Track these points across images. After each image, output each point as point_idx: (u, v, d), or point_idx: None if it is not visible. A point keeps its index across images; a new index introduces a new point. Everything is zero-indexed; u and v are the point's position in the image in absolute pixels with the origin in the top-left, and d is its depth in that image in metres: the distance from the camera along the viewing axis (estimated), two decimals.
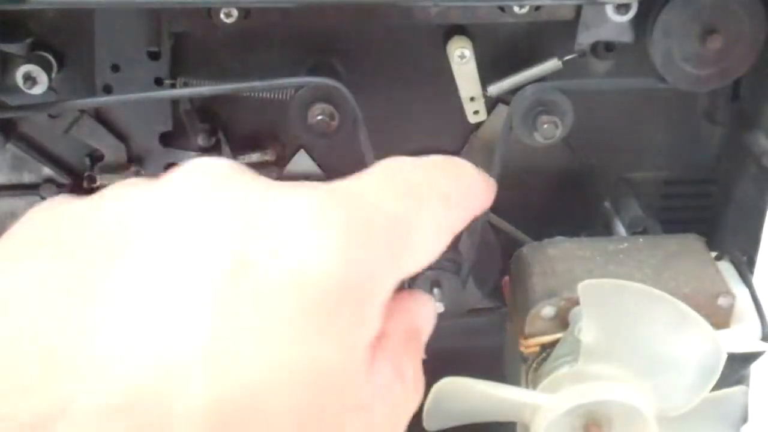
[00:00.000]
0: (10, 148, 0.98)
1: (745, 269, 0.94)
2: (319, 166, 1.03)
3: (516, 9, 0.88)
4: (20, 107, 0.90)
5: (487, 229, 1.04)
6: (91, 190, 0.98)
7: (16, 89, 0.88)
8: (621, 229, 1.03)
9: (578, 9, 0.89)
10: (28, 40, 0.89)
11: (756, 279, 0.95)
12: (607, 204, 1.07)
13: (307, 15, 0.88)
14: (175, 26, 0.89)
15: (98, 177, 0.97)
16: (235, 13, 0.86)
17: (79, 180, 0.99)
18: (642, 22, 0.89)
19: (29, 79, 0.88)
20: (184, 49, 0.93)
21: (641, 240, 0.96)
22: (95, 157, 0.98)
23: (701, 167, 1.06)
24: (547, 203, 1.06)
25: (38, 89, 0.88)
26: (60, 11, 0.89)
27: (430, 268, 1.01)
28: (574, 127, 0.93)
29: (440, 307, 1.02)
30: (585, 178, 1.06)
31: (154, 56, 0.90)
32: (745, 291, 0.92)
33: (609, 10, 0.88)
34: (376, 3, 0.87)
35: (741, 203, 1.01)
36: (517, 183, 1.03)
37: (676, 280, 0.89)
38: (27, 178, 1.01)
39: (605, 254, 0.93)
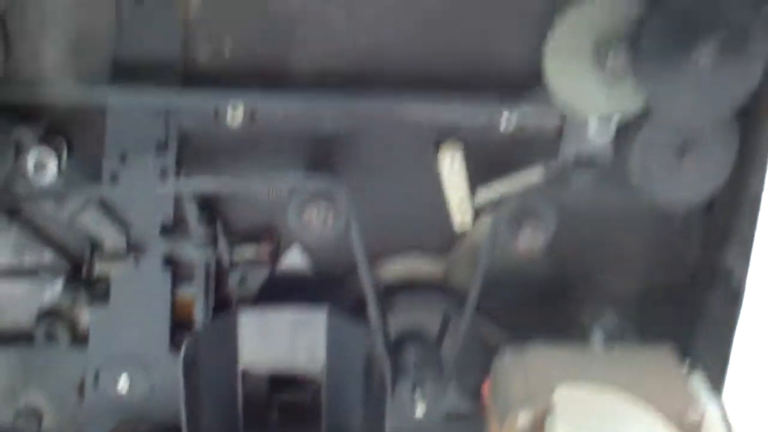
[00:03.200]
0: (14, 231, 1.01)
1: (715, 383, 0.98)
2: (311, 263, 1.07)
3: (503, 124, 0.95)
4: (30, 195, 0.94)
5: (470, 333, 1.07)
6: (89, 277, 1.01)
7: (25, 176, 0.92)
8: (599, 337, 1.07)
9: (561, 125, 0.95)
10: (40, 129, 0.94)
11: (725, 393, 0.98)
12: (585, 314, 1.10)
13: (308, 119, 0.94)
14: (182, 122, 0.94)
15: (97, 264, 0.99)
16: (240, 117, 0.92)
17: (78, 266, 1.02)
18: (622, 140, 0.95)
19: (40, 166, 0.92)
20: (189, 145, 0.98)
21: (617, 351, 1.00)
22: (96, 244, 1.01)
23: (676, 281, 1.10)
24: (529, 309, 1.10)
25: (47, 177, 0.92)
26: (72, 102, 0.95)
27: (413, 368, 1.04)
28: (555, 237, 0.98)
29: (421, 408, 1.04)
30: (565, 287, 1.10)
31: (161, 149, 0.95)
32: (715, 405, 0.96)
33: (590, 126, 0.95)
34: (372, 108, 0.93)
35: (713, 316, 1.05)
36: (500, 288, 1.07)
37: (649, 392, 0.92)
38: (28, 261, 1.05)
39: (582, 363, 0.96)
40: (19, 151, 0.92)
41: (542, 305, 1.10)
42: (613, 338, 1.06)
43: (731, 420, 0.95)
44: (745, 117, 0.92)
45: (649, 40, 0.84)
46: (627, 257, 1.10)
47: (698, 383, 0.98)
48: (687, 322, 1.09)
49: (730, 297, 1.01)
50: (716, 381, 0.99)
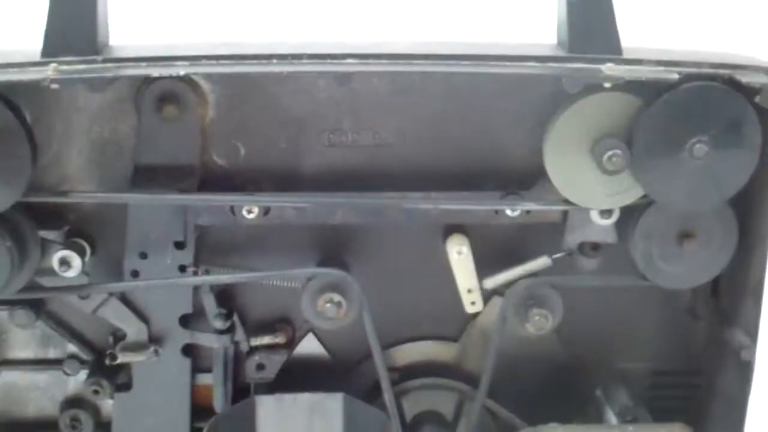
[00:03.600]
0: (39, 325, 1.05)
1: None
2: (326, 349, 1.10)
3: (509, 212, 0.98)
4: (56, 288, 0.98)
5: (484, 414, 1.09)
6: (112, 367, 1.04)
7: (51, 271, 0.96)
8: (612, 417, 1.08)
9: (565, 213, 0.98)
10: (66, 228, 0.99)
11: None
12: (598, 392, 1.12)
13: (319, 212, 0.98)
14: (200, 220, 0.98)
15: (120, 355, 1.03)
16: (255, 210, 0.96)
17: (101, 357, 1.05)
18: (624, 225, 0.98)
19: (65, 263, 0.96)
20: (207, 240, 1.02)
21: (630, 429, 1.02)
22: (117, 336, 1.05)
23: (686, 359, 1.12)
24: (541, 390, 1.11)
25: (72, 273, 0.96)
26: (95, 204, 0.99)
27: None
28: (564, 320, 1.00)
29: None
30: (576, 367, 1.12)
31: (179, 246, 0.99)
32: None
33: (593, 214, 0.98)
34: (381, 204, 0.96)
35: (724, 394, 1.06)
36: (513, 370, 1.09)
37: None
38: (52, 353, 1.08)
39: None
40: (45, 249, 0.96)
41: (554, 387, 1.11)
42: (625, 417, 1.07)
43: None
44: (744, 202, 0.95)
45: (644, 136, 0.87)
46: (637, 337, 1.12)
47: None
48: (698, 402, 1.11)
49: (739, 375, 1.02)
50: None
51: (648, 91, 0.87)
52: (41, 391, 1.10)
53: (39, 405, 1.10)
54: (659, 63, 0.86)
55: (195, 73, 0.92)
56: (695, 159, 0.87)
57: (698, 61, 0.87)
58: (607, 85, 0.85)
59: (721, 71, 0.87)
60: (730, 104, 0.86)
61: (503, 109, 0.97)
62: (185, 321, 1.04)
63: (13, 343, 1.07)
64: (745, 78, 0.86)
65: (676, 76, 0.85)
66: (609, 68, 0.85)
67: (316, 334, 1.09)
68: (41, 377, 1.09)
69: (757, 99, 0.86)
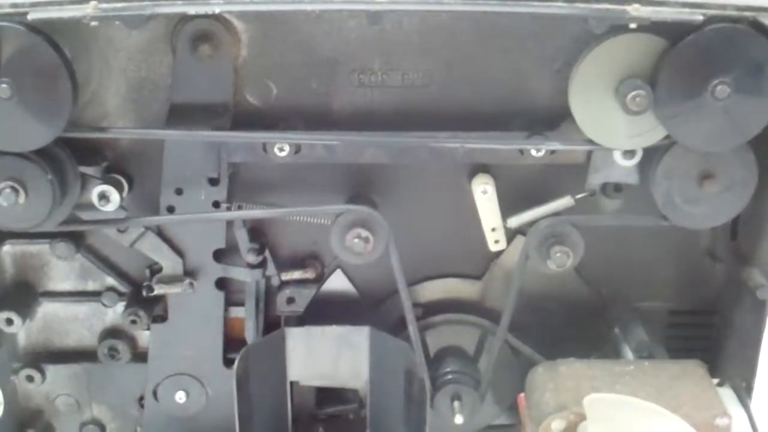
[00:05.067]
0: (79, 258, 1.10)
1: (743, 394, 1.02)
2: (354, 285, 1.13)
3: (533, 152, 1.00)
4: (94, 221, 1.02)
5: (505, 349, 1.13)
6: (149, 299, 1.09)
7: (90, 206, 1.00)
8: (629, 353, 1.11)
9: (589, 153, 1.00)
10: (104, 164, 1.02)
11: (753, 404, 1.02)
12: (616, 330, 1.15)
13: (348, 151, 1.00)
14: (233, 157, 1.01)
15: (156, 287, 1.07)
16: (287, 148, 0.99)
17: (138, 289, 1.09)
18: (646, 166, 1.00)
19: (103, 197, 1.00)
20: (240, 177, 1.05)
21: (646, 363, 1.05)
22: (154, 270, 1.09)
23: (703, 299, 1.15)
24: (561, 327, 1.15)
25: (111, 207, 1.00)
26: (132, 141, 1.03)
27: (452, 381, 1.10)
28: (585, 259, 1.03)
29: (459, 419, 1.10)
30: (596, 305, 1.15)
31: (213, 182, 1.02)
32: (743, 414, 1.00)
33: (617, 155, 0.99)
34: (409, 143, 0.99)
35: (740, 333, 1.09)
36: (534, 307, 1.12)
37: (677, 400, 0.96)
38: (91, 286, 1.13)
39: (612, 374, 1.01)
40: (85, 185, 1.00)
41: (573, 324, 1.15)
42: (642, 353, 1.10)
43: (759, 427, 0.99)
44: (765, 145, 0.96)
45: (667, 76, 0.89)
46: (655, 277, 1.15)
47: (726, 393, 1.02)
48: (714, 341, 1.14)
49: (755, 314, 1.04)
50: (744, 391, 1.03)
51: (673, 33, 0.88)
52: (81, 322, 1.15)
53: (79, 335, 1.15)
54: (684, 4, 0.87)
55: (229, 12, 0.94)
56: (717, 100, 0.88)
57: (723, 3, 0.88)
58: (632, 26, 0.87)
59: (746, 13, 0.88)
60: (753, 47, 0.87)
61: (530, 51, 0.99)
62: (219, 255, 1.08)
63: (54, 275, 1.12)
64: None
65: (700, 18, 0.86)
66: (635, 9, 0.86)
67: (344, 271, 1.12)
68: (81, 309, 1.14)
69: None
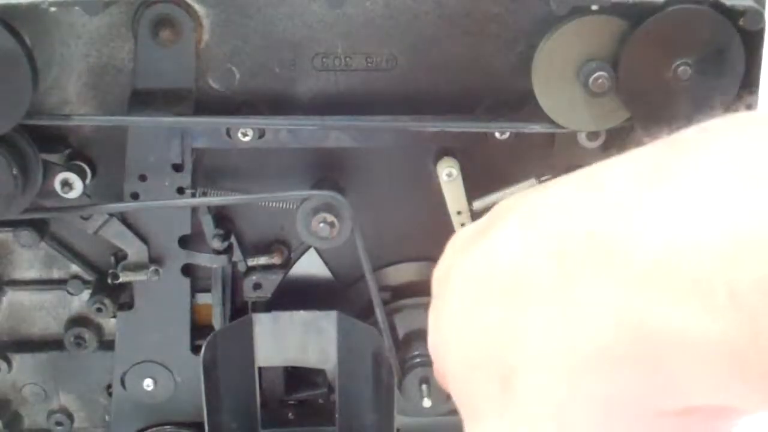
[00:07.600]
0: (43, 246, 1.09)
1: None
2: (327, 267, 1.14)
3: (498, 135, 1.00)
4: (57, 208, 1.01)
5: None
6: (114, 287, 1.08)
7: (53, 193, 1.00)
8: None
9: (553, 136, 1.01)
10: (67, 151, 1.02)
11: None
12: None
13: (313, 135, 1.00)
14: (197, 142, 1.00)
15: (121, 275, 1.06)
16: (250, 133, 0.99)
17: (104, 277, 1.09)
18: (610, 148, 1.00)
19: (66, 185, 0.99)
20: (204, 163, 1.04)
21: None
22: (119, 257, 1.08)
23: None
24: None
25: (74, 194, 1.00)
26: (95, 127, 1.02)
27: (421, 364, 1.10)
28: None
29: (428, 402, 1.10)
30: None
31: (177, 168, 1.01)
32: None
33: (581, 137, 1.00)
34: (373, 126, 0.99)
35: None
36: None
37: None
38: (56, 274, 1.12)
39: None
40: (48, 172, 0.99)
41: None
42: None
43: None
44: None
45: (629, 58, 0.89)
46: None
47: None
48: None
49: None
50: None
51: (635, 15, 0.89)
52: (46, 311, 1.14)
53: (45, 324, 1.14)
54: None
55: None
56: (680, 81, 0.89)
57: None
58: (594, 7, 0.87)
59: None
60: (715, 28, 0.88)
61: (494, 33, 0.99)
62: (184, 242, 1.07)
63: (18, 263, 1.11)
64: (729, 1, 0.88)
65: None
66: None
67: (318, 253, 1.12)
68: (46, 297, 1.13)
69: (741, 22, 0.88)
